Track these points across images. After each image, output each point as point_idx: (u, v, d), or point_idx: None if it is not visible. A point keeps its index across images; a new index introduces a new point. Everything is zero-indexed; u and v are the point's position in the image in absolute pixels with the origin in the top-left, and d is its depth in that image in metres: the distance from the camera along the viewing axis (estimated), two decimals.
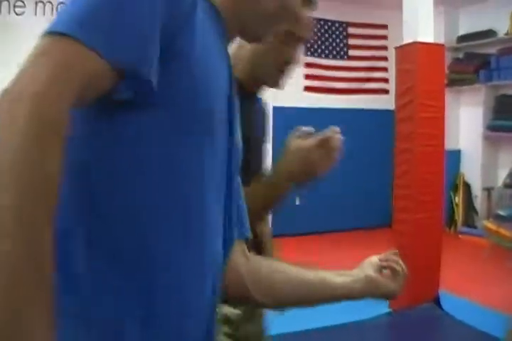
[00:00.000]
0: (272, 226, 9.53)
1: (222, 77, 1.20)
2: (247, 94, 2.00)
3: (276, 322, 5.42)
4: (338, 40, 9.93)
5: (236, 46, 2.04)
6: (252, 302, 1.43)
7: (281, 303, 1.48)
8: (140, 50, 0.96)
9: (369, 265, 1.57)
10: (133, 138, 1.02)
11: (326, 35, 9.81)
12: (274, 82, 2.08)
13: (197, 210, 1.10)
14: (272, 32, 1.35)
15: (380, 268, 1.56)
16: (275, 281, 1.40)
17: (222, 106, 1.17)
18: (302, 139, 1.88)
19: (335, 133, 1.85)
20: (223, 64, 1.21)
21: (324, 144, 1.84)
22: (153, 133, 1.03)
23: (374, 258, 1.59)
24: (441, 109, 5.58)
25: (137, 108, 1.02)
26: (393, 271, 1.56)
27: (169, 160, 1.05)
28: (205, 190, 1.11)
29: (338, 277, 1.52)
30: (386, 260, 1.56)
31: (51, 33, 0.91)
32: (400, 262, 1.56)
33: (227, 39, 1.27)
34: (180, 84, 1.04)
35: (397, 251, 1.59)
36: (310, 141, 1.85)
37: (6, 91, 0.84)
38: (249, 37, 1.34)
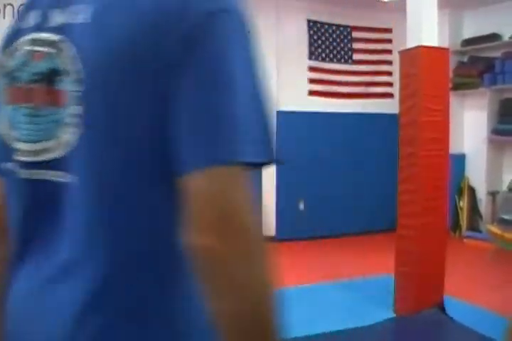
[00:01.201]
0: (276, 230, 9.50)
1: None
2: None
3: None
4: (342, 44, 9.93)
5: None
6: None
7: None
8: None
9: None
10: None
11: (331, 39, 9.80)
12: None
13: None
14: None
15: None
16: None
17: None
18: None
19: None
20: None
21: None
22: None
23: None
24: (445, 113, 5.56)
25: None
26: None
27: None
28: None
29: None
30: None
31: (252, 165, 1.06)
32: None
33: None
34: None
35: None
36: None
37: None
38: None
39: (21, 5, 1.31)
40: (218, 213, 0.99)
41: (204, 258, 0.99)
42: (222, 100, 1.03)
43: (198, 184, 1.01)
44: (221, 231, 0.98)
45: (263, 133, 1.07)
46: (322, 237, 9.23)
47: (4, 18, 7.88)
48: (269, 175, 9.06)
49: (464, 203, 9.59)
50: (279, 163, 1.16)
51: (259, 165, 1.08)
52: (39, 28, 1.19)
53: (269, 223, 9.07)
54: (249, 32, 1.11)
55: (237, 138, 1.02)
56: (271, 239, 8.99)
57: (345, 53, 9.96)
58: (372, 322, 5.26)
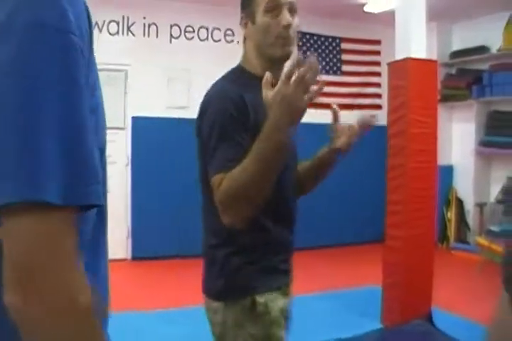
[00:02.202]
0: None
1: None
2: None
3: None
4: (331, 56, 9.96)
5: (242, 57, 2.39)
6: None
7: None
8: None
9: None
10: None
11: (319, 51, 9.84)
12: (284, 50, 2.21)
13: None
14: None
15: None
16: None
17: None
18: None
19: (301, 62, 1.83)
20: None
21: (293, 75, 1.83)
22: None
23: None
24: (433, 125, 5.58)
25: None
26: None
27: None
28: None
29: None
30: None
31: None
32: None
33: None
34: None
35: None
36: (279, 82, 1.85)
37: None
38: None
39: None
40: (17, 272, 0.91)
41: (14, 318, 0.92)
42: None
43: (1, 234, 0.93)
44: (22, 292, 0.90)
45: (21, 165, 0.91)
46: (310, 248, 9.22)
47: None
48: None
49: (451, 214, 9.61)
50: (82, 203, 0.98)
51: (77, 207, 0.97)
52: None
53: None
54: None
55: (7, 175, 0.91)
56: None
57: (334, 65, 9.99)
58: (359, 333, 5.25)
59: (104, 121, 1.18)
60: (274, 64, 2.19)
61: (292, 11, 2.23)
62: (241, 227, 2.06)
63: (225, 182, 1.95)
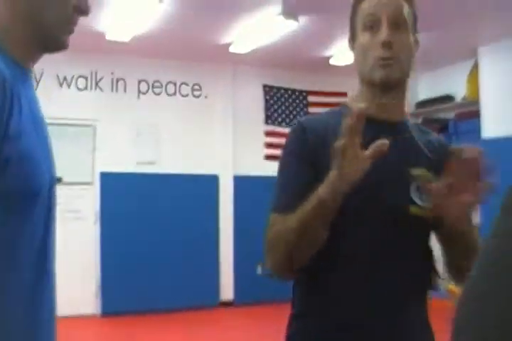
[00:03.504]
0: (234, 294, 9.32)
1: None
2: None
3: None
4: (298, 109, 10.04)
5: None
6: None
7: None
8: None
9: None
10: None
11: (287, 104, 9.93)
12: (385, 72, 1.74)
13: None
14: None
15: None
16: None
17: None
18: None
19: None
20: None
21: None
22: None
23: None
24: None
25: None
26: None
27: None
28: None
29: None
30: None
31: None
32: None
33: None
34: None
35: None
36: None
37: None
38: (54, 47, 1.50)
39: None
40: None
41: None
42: None
43: None
44: None
45: None
46: (278, 301, 9.13)
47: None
48: (227, 238, 9.00)
49: None
50: None
51: None
52: None
53: (228, 287, 8.95)
54: None
55: None
56: (230, 303, 8.86)
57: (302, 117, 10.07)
58: None
59: (38, 166, 1.38)
60: (375, 91, 1.80)
61: (397, 24, 1.76)
62: (282, 278, 1.79)
63: (273, 227, 1.72)
